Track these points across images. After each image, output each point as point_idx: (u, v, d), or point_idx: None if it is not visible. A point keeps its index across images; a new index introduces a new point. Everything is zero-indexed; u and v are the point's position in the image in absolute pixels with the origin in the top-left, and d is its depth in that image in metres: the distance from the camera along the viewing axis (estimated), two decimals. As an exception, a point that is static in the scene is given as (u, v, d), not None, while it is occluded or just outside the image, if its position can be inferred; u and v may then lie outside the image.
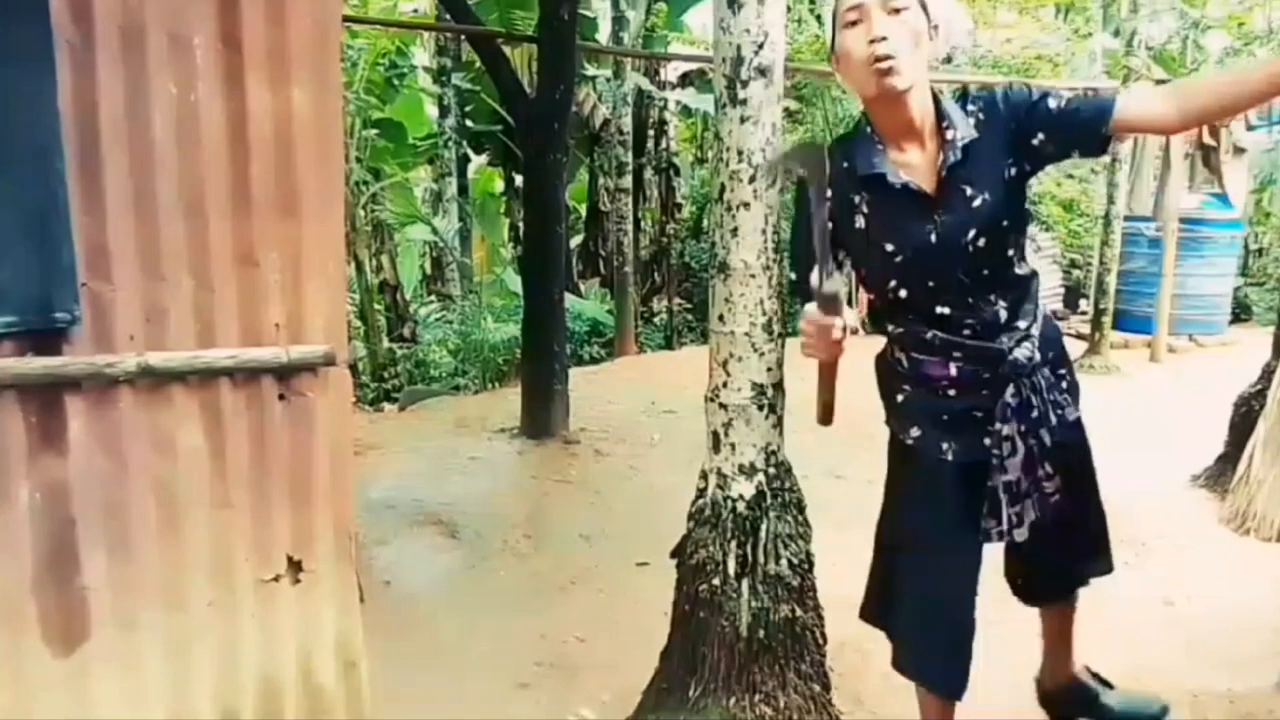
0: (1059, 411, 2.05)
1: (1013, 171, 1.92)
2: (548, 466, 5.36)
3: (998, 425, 2.00)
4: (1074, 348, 8.53)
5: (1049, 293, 10.95)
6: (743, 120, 2.42)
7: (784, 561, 2.55)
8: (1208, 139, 8.27)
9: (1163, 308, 8.46)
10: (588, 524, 4.50)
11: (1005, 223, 1.94)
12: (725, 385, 2.55)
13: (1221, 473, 4.83)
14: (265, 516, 2.25)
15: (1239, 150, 8.52)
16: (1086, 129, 1.87)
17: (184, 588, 2.19)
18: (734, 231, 2.48)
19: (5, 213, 1.94)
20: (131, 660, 2.15)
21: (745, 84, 2.40)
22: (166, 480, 2.16)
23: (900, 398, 2.14)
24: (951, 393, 2.04)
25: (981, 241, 1.93)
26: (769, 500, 2.56)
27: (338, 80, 2.22)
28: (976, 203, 1.90)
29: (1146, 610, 3.56)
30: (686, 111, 11.49)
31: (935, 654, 2.15)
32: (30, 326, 1.99)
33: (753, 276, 2.48)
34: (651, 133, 10.70)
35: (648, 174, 10.68)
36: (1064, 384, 2.12)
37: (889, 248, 1.96)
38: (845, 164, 1.96)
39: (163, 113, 2.05)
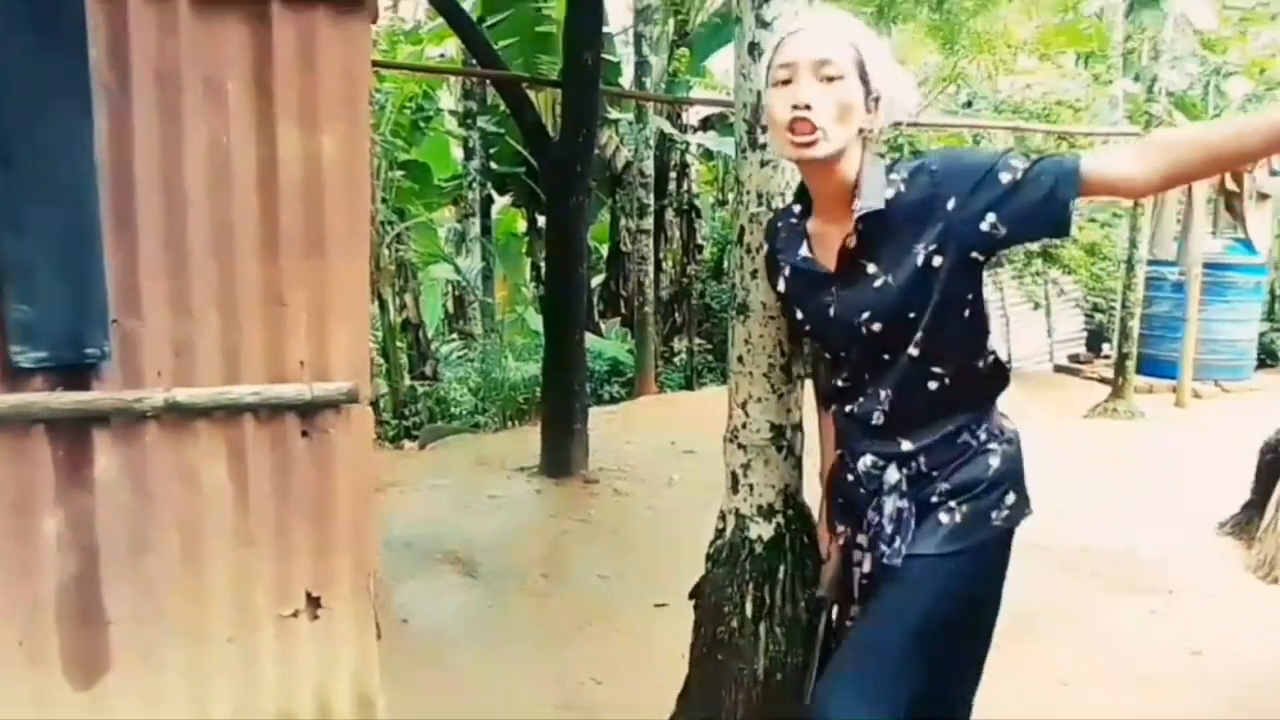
0: (896, 547, 1.84)
1: (934, 257, 1.71)
2: (567, 506, 5.35)
3: (859, 531, 1.95)
4: (1098, 392, 8.48)
5: (1070, 336, 10.89)
6: (763, 164, 2.44)
7: (802, 604, 2.53)
8: (1230, 184, 8.25)
9: (1187, 352, 8.39)
10: (606, 564, 4.48)
11: (911, 314, 1.75)
12: (744, 426, 2.55)
13: (1248, 520, 4.76)
14: (286, 552, 2.27)
15: (1263, 196, 8.49)
16: (1048, 202, 1.65)
17: (204, 622, 2.21)
18: (754, 274, 2.49)
19: (40, 250, 2.00)
20: (151, 694, 2.17)
21: (765, 129, 2.43)
22: (190, 515, 2.18)
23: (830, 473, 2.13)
24: (847, 477, 2.00)
25: (877, 326, 1.79)
26: (787, 542, 2.55)
27: (366, 125, 2.28)
28: (877, 283, 1.76)
29: (1172, 660, 3.50)
30: (708, 154, 11.60)
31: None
32: (61, 362, 2.04)
33: (772, 318, 2.49)
34: (673, 175, 10.80)
35: (669, 215, 10.76)
36: (946, 506, 1.84)
37: (799, 315, 1.97)
38: (779, 224, 2.00)
39: (195, 155, 2.11)
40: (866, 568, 1.91)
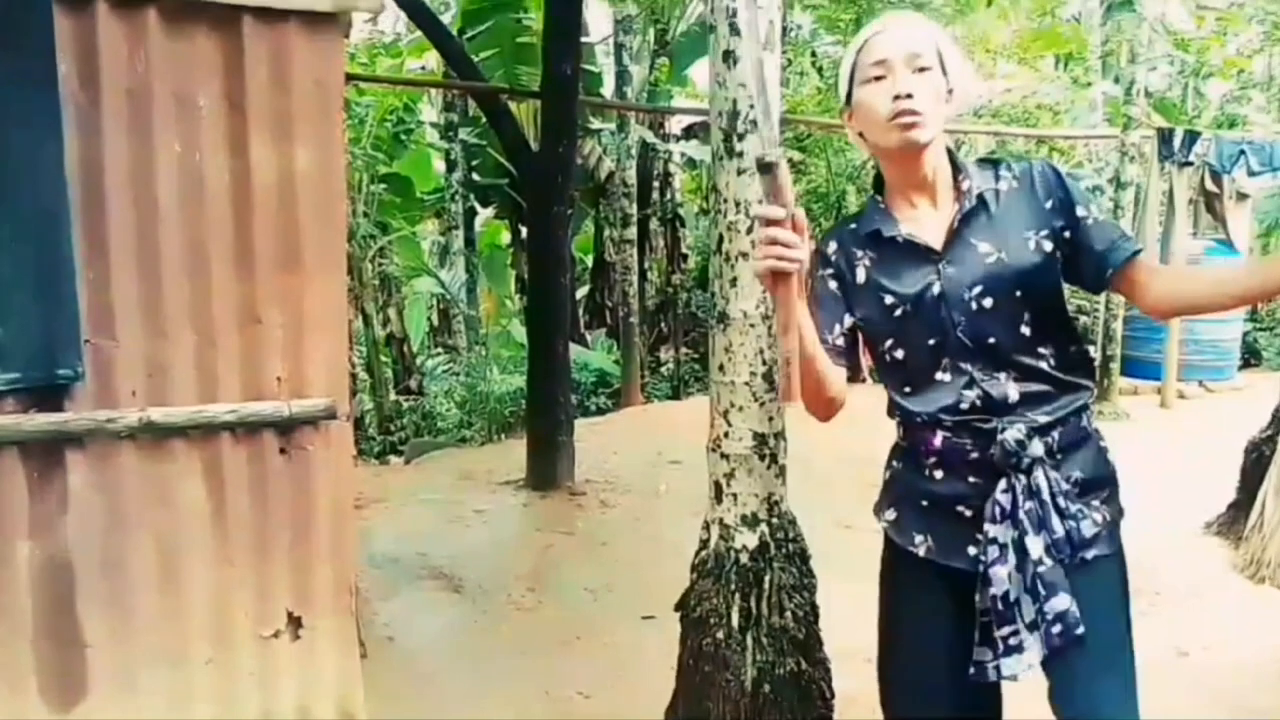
0: (1067, 524, 1.71)
1: (1044, 242, 1.77)
2: (553, 519, 5.33)
3: (985, 526, 1.73)
4: (1082, 394, 8.53)
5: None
6: (739, 172, 2.44)
7: (788, 614, 2.52)
8: (1211, 185, 8.32)
9: (1171, 353, 8.43)
10: (593, 577, 4.45)
11: (1019, 292, 1.75)
12: (727, 435, 2.54)
13: (1234, 520, 4.77)
14: (265, 571, 2.25)
15: (1242, 196, 8.56)
16: (1103, 254, 1.77)
17: (183, 644, 2.18)
18: (733, 282, 2.49)
19: (10, 270, 1.97)
20: (130, 718, 2.13)
21: (741, 137, 2.42)
22: (167, 535, 2.16)
23: (888, 474, 1.95)
24: (937, 474, 1.81)
25: (988, 301, 1.76)
26: (772, 551, 2.54)
27: (340, 139, 2.26)
28: (990, 259, 1.77)
29: (1161, 661, 3.49)
30: (691, 163, 11.61)
31: None
32: (33, 383, 2.01)
33: (752, 326, 2.49)
34: (656, 184, 10.81)
35: (653, 225, 10.77)
36: (1086, 502, 1.76)
37: (888, 300, 1.83)
38: (852, 226, 1.92)
39: (167, 172, 2.09)
40: (1033, 554, 1.70)
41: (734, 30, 2.39)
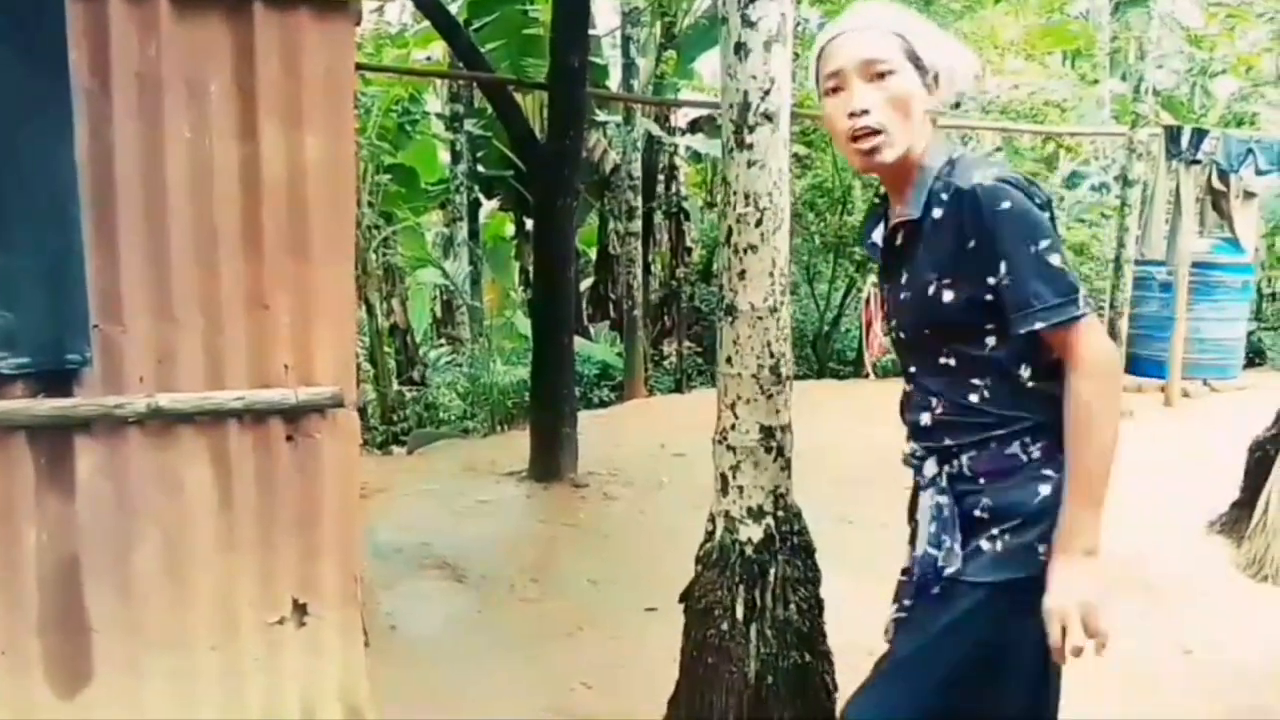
0: (929, 549, 1.69)
1: (944, 291, 1.64)
2: (556, 510, 5.33)
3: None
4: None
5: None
6: (750, 165, 2.44)
7: (793, 606, 2.52)
8: (1218, 183, 8.29)
9: (1175, 352, 8.41)
10: (596, 568, 4.46)
11: (928, 331, 1.70)
12: (733, 427, 2.54)
13: (1238, 518, 4.76)
14: (271, 558, 2.25)
15: (1249, 195, 8.53)
16: (1012, 321, 1.57)
17: (188, 631, 2.19)
18: (741, 274, 2.49)
19: (19, 256, 1.97)
20: (135, 703, 2.14)
21: (752, 129, 2.42)
22: (173, 521, 2.16)
23: None
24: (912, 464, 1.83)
25: (903, 334, 1.77)
26: (777, 544, 2.54)
27: (350, 127, 2.26)
28: (903, 295, 1.73)
29: (1164, 659, 3.49)
30: (696, 157, 11.60)
31: None
32: (41, 368, 2.01)
33: (760, 319, 2.49)
34: (661, 177, 10.79)
35: (657, 218, 10.75)
36: (988, 531, 1.65)
37: (886, 286, 1.86)
38: (874, 206, 1.91)
39: (177, 158, 2.09)
40: (906, 562, 1.79)
41: (746, 22, 2.38)
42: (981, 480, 1.67)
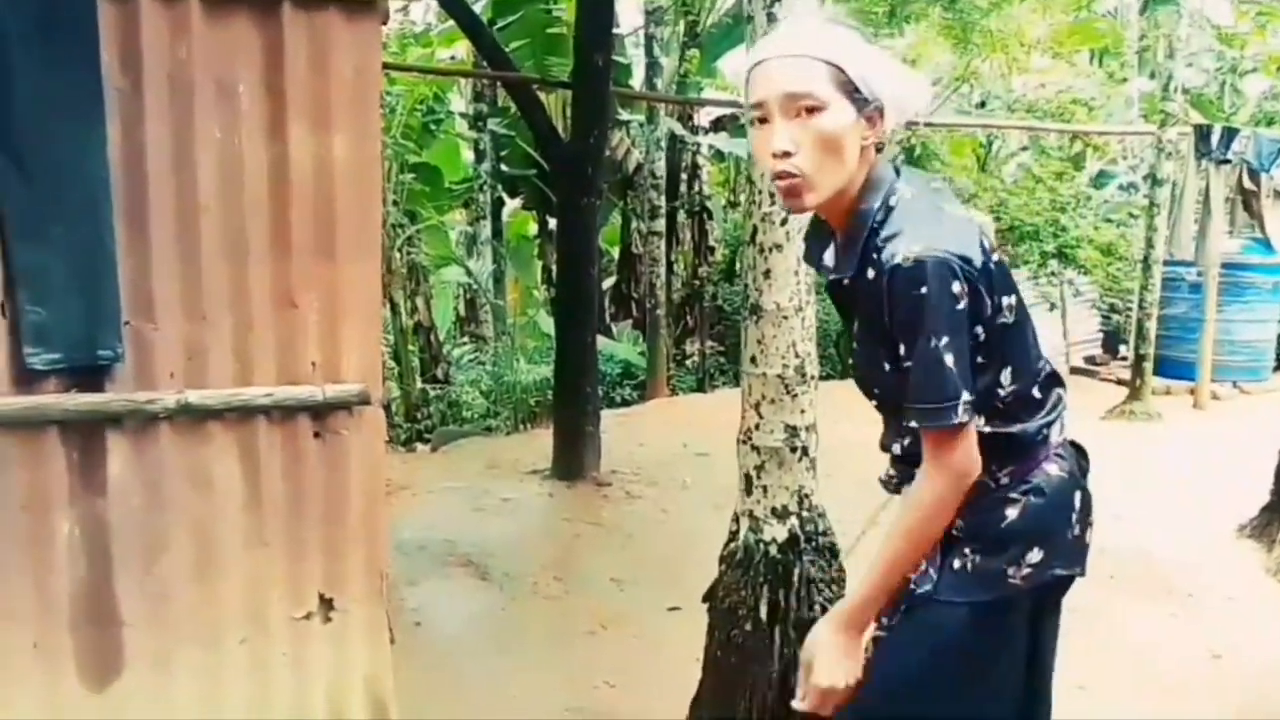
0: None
1: (884, 360, 1.58)
2: (579, 508, 5.34)
3: None
4: (1114, 394, 8.42)
5: (1087, 338, 10.82)
6: (776, 164, 2.43)
7: (817, 607, 2.51)
8: (1248, 183, 8.18)
9: (1205, 354, 8.31)
10: (619, 567, 4.46)
11: (876, 390, 1.67)
12: (758, 427, 2.54)
13: (1268, 523, 4.70)
14: (299, 554, 2.27)
15: (1280, 195, 8.43)
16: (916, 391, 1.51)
17: (217, 625, 2.21)
18: (766, 274, 2.48)
19: (52, 254, 2.00)
20: (164, 697, 2.17)
21: (778, 128, 2.41)
22: (202, 517, 2.19)
23: None
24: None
25: (859, 373, 1.72)
26: (802, 544, 2.54)
27: (377, 127, 2.27)
28: (856, 342, 1.69)
29: (1193, 664, 3.46)
30: (719, 156, 11.57)
31: None
32: (74, 364, 2.04)
33: (785, 318, 2.48)
34: (684, 177, 10.77)
35: (680, 217, 10.74)
36: (959, 549, 1.62)
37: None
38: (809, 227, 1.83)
39: (207, 157, 2.11)
40: None
41: (771, 20, 2.38)
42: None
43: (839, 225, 1.60)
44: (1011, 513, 1.61)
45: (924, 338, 1.46)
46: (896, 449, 1.72)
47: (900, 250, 1.46)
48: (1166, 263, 8.29)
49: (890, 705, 1.64)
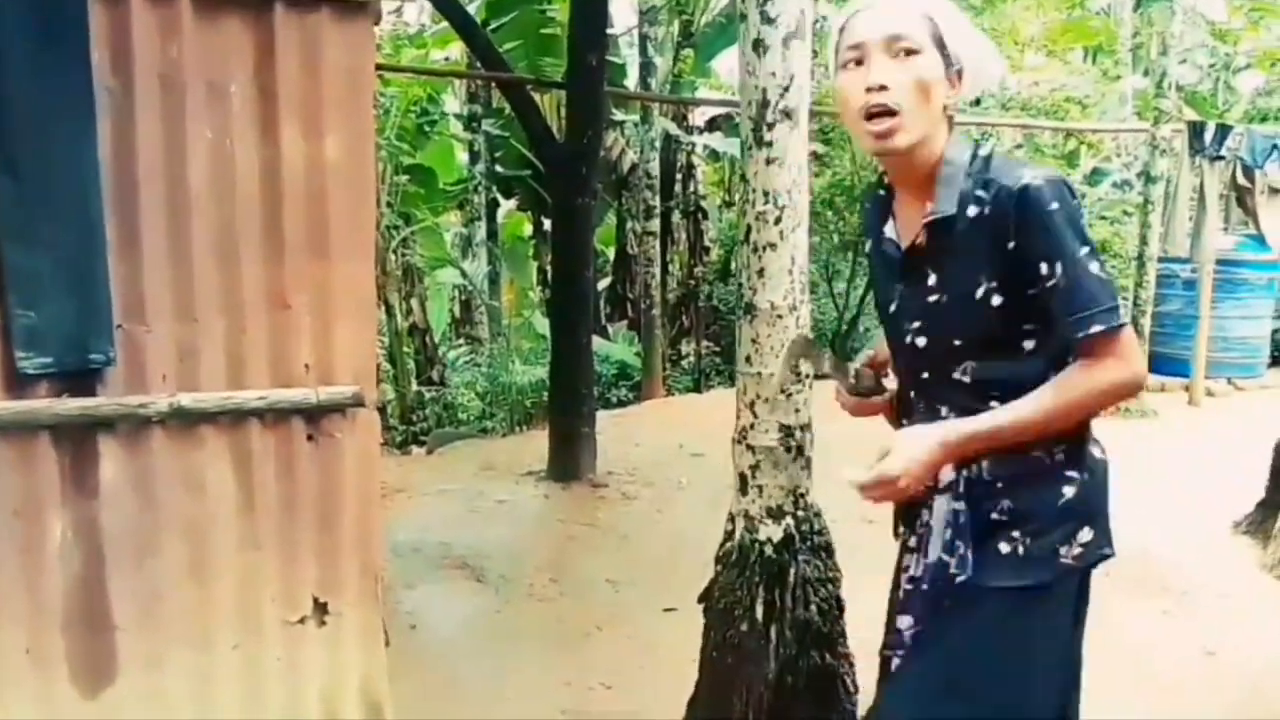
0: (945, 559, 1.62)
1: (993, 295, 1.56)
2: (575, 510, 5.33)
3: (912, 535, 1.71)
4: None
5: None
6: (769, 162, 2.43)
7: (813, 607, 2.51)
8: (1242, 180, 8.20)
9: (1200, 350, 8.33)
10: (615, 568, 4.45)
11: (958, 342, 1.61)
12: (752, 427, 2.53)
13: (1263, 519, 4.70)
14: (292, 557, 2.26)
15: (1275, 191, 8.42)
16: (1067, 326, 1.53)
17: (211, 629, 2.20)
18: (760, 273, 2.48)
19: (44, 256, 1.99)
20: (158, 701, 2.16)
21: (771, 126, 2.41)
22: (196, 520, 2.18)
23: None
24: None
25: (921, 341, 1.65)
26: (797, 544, 2.53)
27: (370, 127, 2.27)
28: (931, 299, 1.62)
29: (1188, 661, 3.46)
30: (714, 155, 11.58)
31: None
32: (66, 368, 2.03)
33: (780, 317, 2.48)
34: (679, 176, 10.78)
35: (675, 217, 10.75)
36: (1007, 534, 1.61)
37: (880, 299, 1.78)
38: (867, 204, 1.84)
39: (198, 158, 2.10)
40: (914, 571, 1.69)
41: (765, 19, 2.38)
42: (1000, 484, 1.62)
43: (917, 181, 1.62)
44: (1069, 491, 1.62)
45: (1069, 251, 1.50)
46: (945, 410, 1.64)
47: (1024, 177, 1.52)
48: (1161, 260, 8.31)
49: (951, 701, 1.62)
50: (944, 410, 1.65)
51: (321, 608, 2.29)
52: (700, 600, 2.68)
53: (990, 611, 1.61)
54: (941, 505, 1.63)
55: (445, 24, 8.22)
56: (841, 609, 2.59)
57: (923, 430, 1.59)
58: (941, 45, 1.56)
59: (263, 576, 2.23)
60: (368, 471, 2.32)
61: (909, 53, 1.54)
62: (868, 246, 1.84)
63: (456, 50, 11.14)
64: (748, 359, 2.53)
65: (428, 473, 6.27)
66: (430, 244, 10.95)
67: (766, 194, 2.44)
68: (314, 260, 2.20)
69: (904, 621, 1.68)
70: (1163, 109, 7.79)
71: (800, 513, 2.54)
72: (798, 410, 2.52)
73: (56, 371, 2.03)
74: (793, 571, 2.51)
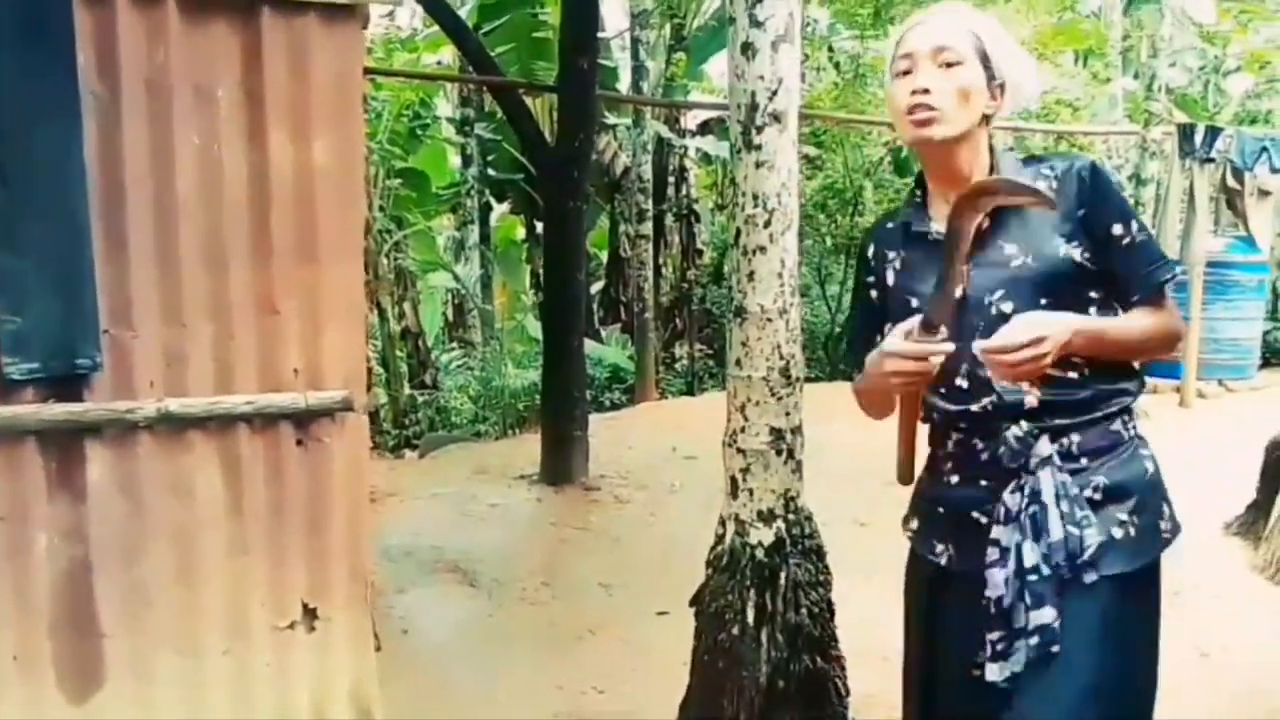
0: (1067, 529, 1.62)
1: (1074, 251, 1.68)
2: (567, 513, 5.32)
3: (992, 527, 1.68)
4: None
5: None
6: (758, 165, 2.43)
7: (804, 610, 2.51)
8: (1232, 182, 8.23)
9: (1191, 352, 8.34)
10: (607, 572, 4.45)
11: (1044, 300, 1.66)
12: (743, 430, 2.53)
13: (1254, 520, 4.72)
14: (281, 562, 2.25)
15: (1264, 193, 8.46)
16: (1130, 283, 1.69)
17: (199, 635, 2.19)
18: (750, 276, 2.48)
19: (29, 261, 1.98)
20: (145, 708, 2.15)
21: (760, 130, 2.41)
22: (184, 526, 2.17)
23: (915, 484, 1.89)
24: (953, 479, 1.77)
25: (1008, 306, 1.68)
26: (788, 547, 2.53)
27: (359, 131, 2.26)
28: (1015, 263, 1.69)
29: (1181, 662, 3.45)
30: (706, 158, 11.59)
31: None
32: (52, 373, 2.02)
33: (770, 320, 2.48)
34: (671, 180, 10.78)
35: (668, 220, 10.75)
36: (1106, 510, 1.65)
37: (914, 304, 1.76)
38: (889, 224, 1.90)
39: (186, 163, 2.09)
40: (1028, 560, 1.63)
41: (754, 22, 2.38)
42: (1085, 459, 1.67)
43: (958, 179, 1.72)
44: (1150, 466, 1.73)
45: (1133, 217, 1.72)
46: (1030, 400, 1.66)
47: (1078, 161, 1.73)
48: (1152, 262, 8.32)
49: (1109, 702, 1.63)
50: (1024, 383, 1.66)
51: (311, 613, 2.28)
52: (692, 603, 2.68)
53: (1116, 599, 1.64)
54: (1047, 480, 1.64)
55: (437, 28, 8.22)
56: (832, 612, 2.59)
57: (1034, 314, 1.63)
58: (985, 59, 1.71)
59: (251, 581, 2.22)
60: (357, 476, 2.32)
61: (953, 64, 1.69)
62: (885, 259, 1.86)
63: (448, 54, 11.14)
64: (738, 362, 2.53)
65: (420, 476, 6.26)
66: (423, 248, 10.95)
67: (756, 197, 2.44)
68: (302, 265, 2.19)
69: (1045, 615, 1.62)
70: (1153, 111, 7.83)
71: (791, 516, 2.54)
72: (788, 413, 2.52)
73: (43, 377, 2.02)
74: (784, 575, 2.51)
